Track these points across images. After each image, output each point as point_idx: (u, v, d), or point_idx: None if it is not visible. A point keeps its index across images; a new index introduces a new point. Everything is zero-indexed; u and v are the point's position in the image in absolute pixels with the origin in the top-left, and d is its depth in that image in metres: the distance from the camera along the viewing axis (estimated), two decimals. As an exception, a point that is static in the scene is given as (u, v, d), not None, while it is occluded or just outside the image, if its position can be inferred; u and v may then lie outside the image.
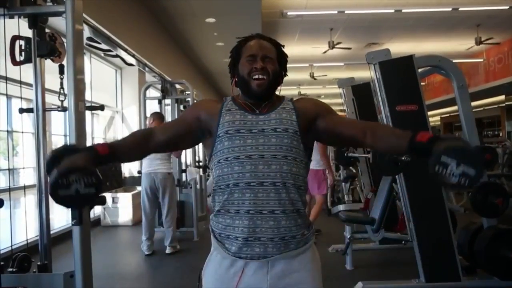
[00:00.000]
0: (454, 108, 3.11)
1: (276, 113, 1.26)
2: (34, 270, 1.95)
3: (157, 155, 4.25)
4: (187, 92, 5.61)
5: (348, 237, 3.61)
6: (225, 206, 1.22)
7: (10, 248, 2.03)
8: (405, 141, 1.09)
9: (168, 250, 4.34)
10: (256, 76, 1.25)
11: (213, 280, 1.25)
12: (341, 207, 4.89)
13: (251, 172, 1.19)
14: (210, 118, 1.27)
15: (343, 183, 5.83)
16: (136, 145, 1.28)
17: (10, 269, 1.86)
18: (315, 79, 11.83)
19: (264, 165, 1.19)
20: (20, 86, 1.97)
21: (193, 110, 1.37)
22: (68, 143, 1.06)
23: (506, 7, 6.95)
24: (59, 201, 1.03)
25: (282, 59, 1.34)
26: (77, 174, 1.00)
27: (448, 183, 0.94)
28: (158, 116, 4.47)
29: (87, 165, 1.05)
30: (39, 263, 1.95)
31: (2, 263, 1.82)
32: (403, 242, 3.67)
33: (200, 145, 1.43)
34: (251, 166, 1.19)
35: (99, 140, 6.85)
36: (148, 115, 4.98)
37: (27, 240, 2.17)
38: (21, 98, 2.05)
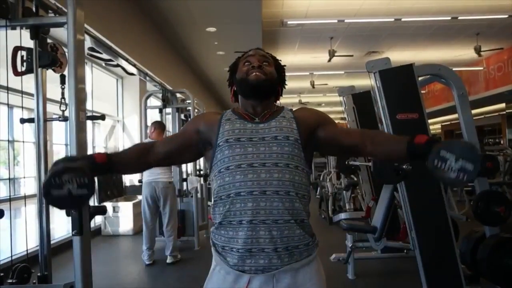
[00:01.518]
0: (455, 116, 3.11)
1: (276, 121, 1.26)
2: (34, 281, 1.94)
3: None
4: (188, 101, 5.62)
5: (350, 246, 3.59)
6: (227, 217, 1.20)
7: (10, 259, 2.02)
8: (404, 144, 1.10)
9: (169, 260, 4.32)
10: (254, 73, 1.26)
11: None
12: (342, 216, 4.86)
13: (253, 181, 1.17)
14: (210, 129, 1.27)
15: (344, 192, 5.81)
16: (136, 158, 1.28)
17: (10, 280, 1.84)
18: (314, 87, 11.87)
19: (266, 173, 1.18)
20: (22, 96, 1.98)
21: (193, 123, 1.37)
22: (69, 154, 1.10)
23: (505, 16, 6.99)
24: (52, 201, 1.04)
25: (280, 69, 1.36)
26: (70, 174, 1.02)
27: (447, 178, 0.96)
28: (159, 125, 4.48)
29: (79, 166, 1.06)
30: (39, 274, 1.93)
31: (2, 274, 1.81)
32: (405, 251, 3.65)
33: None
34: (253, 174, 1.17)
35: (100, 149, 6.86)
36: (149, 124, 4.99)
37: (27, 250, 2.16)
38: (22, 108, 2.06)
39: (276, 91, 1.35)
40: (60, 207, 1.11)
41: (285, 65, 1.42)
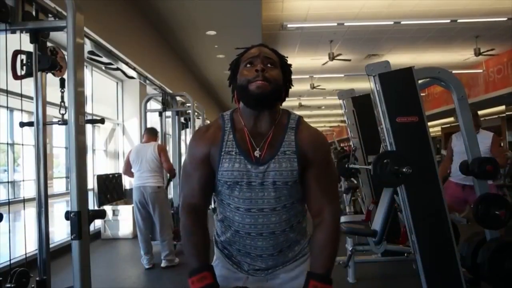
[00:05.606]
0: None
1: (276, 162, 1.17)
2: (33, 285, 1.93)
3: (146, 167, 4.18)
4: (187, 104, 5.63)
5: (350, 249, 3.58)
6: (228, 239, 1.27)
7: (8, 263, 2.01)
8: (311, 266, 1.18)
9: (163, 264, 4.23)
10: (256, 83, 1.14)
11: None
12: (342, 219, 4.85)
13: (250, 225, 1.21)
14: (214, 153, 1.20)
15: (344, 195, 5.80)
16: (204, 236, 1.22)
17: (8, 285, 1.83)
18: (313, 88, 11.88)
19: (264, 218, 1.20)
20: (21, 100, 1.98)
21: (199, 150, 1.23)
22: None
23: (504, 19, 7.01)
24: None
25: (286, 68, 1.25)
26: None
27: None
28: (148, 131, 4.48)
29: None
30: (37, 279, 1.92)
31: (0, 278, 1.80)
32: (405, 255, 3.64)
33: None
34: (251, 219, 1.20)
35: (100, 152, 6.85)
36: (148, 126, 4.99)
37: (25, 254, 2.15)
38: (21, 111, 2.06)
39: (280, 97, 1.24)
40: None
41: (290, 64, 1.32)
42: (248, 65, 1.18)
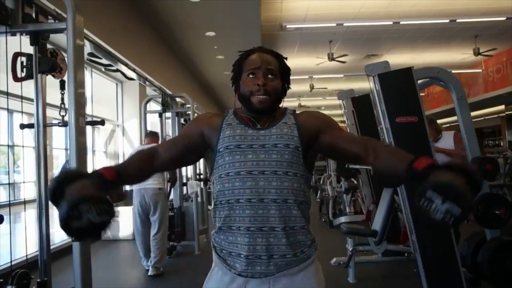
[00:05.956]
0: (455, 118, 3.11)
1: (277, 128, 1.24)
2: (34, 287, 1.93)
3: None
4: (187, 105, 5.63)
5: (350, 249, 3.58)
6: (226, 222, 1.21)
7: (9, 264, 2.01)
8: (405, 165, 1.05)
9: (151, 272, 4.05)
10: (258, 97, 1.23)
11: None
12: (342, 219, 4.85)
13: (251, 189, 1.18)
14: (212, 132, 1.27)
15: (344, 195, 5.80)
16: (141, 166, 1.23)
17: (9, 286, 1.83)
18: (313, 89, 11.88)
19: (265, 181, 1.18)
20: (21, 102, 1.98)
21: (196, 125, 1.34)
22: (68, 168, 0.95)
23: (503, 18, 7.02)
24: (71, 233, 0.96)
25: (285, 71, 1.33)
26: (88, 203, 0.93)
27: (432, 219, 0.89)
28: (151, 135, 4.48)
29: (96, 192, 0.98)
30: (38, 280, 1.93)
31: (1, 280, 1.81)
32: (405, 254, 3.64)
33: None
34: (252, 182, 1.18)
35: (100, 153, 6.86)
36: (148, 128, 5.00)
37: (26, 256, 2.16)
38: (22, 113, 2.07)
39: (280, 101, 1.31)
40: (82, 238, 1.05)
41: (289, 69, 1.37)
42: (250, 76, 1.26)
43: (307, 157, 1.25)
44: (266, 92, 1.24)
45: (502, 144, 14.57)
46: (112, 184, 1.07)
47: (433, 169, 0.95)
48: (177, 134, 5.24)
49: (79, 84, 1.82)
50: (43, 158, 2.00)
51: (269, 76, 1.26)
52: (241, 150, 1.21)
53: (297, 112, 1.34)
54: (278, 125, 1.26)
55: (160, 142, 4.72)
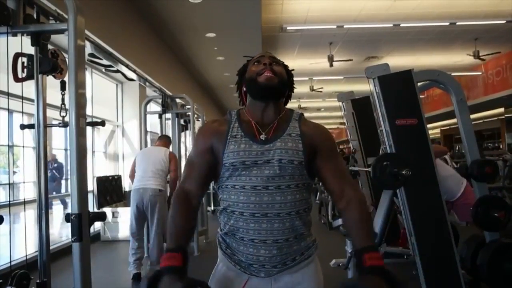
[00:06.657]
0: (454, 120, 3.11)
1: (281, 142, 1.23)
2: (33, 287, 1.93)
3: (150, 168, 3.98)
4: (187, 106, 5.63)
5: (350, 251, 3.58)
6: (232, 230, 1.25)
7: (9, 265, 2.01)
8: (358, 246, 1.16)
9: (135, 270, 3.95)
10: (265, 75, 1.25)
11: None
12: (341, 221, 4.85)
13: (255, 203, 1.20)
14: (219, 144, 1.26)
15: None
16: (188, 219, 1.24)
17: (9, 287, 1.84)
18: (313, 90, 11.89)
19: (269, 196, 1.20)
20: (22, 102, 1.99)
21: (204, 139, 1.30)
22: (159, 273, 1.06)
23: (503, 21, 7.03)
24: None
25: (289, 74, 1.37)
26: None
27: None
28: (165, 139, 4.43)
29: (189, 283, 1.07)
30: (38, 281, 1.93)
31: (1, 280, 1.81)
32: (405, 257, 3.64)
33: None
34: (256, 197, 1.20)
35: (99, 154, 6.86)
36: (148, 129, 4.99)
37: (26, 256, 2.16)
38: (22, 113, 2.07)
39: (285, 94, 1.35)
40: None
41: (293, 69, 1.42)
42: (255, 63, 1.31)
43: (310, 166, 1.26)
44: (273, 71, 1.26)
45: (501, 146, 14.58)
46: (186, 263, 1.14)
47: (373, 273, 1.09)
48: (177, 135, 5.25)
49: (80, 85, 1.82)
50: (43, 158, 2.00)
51: (274, 63, 1.30)
52: (246, 166, 1.21)
53: (303, 117, 1.34)
54: (282, 138, 1.24)
55: (170, 146, 4.59)
